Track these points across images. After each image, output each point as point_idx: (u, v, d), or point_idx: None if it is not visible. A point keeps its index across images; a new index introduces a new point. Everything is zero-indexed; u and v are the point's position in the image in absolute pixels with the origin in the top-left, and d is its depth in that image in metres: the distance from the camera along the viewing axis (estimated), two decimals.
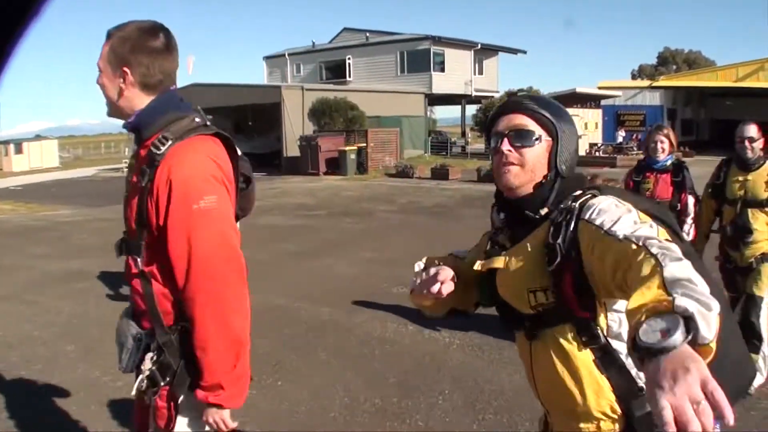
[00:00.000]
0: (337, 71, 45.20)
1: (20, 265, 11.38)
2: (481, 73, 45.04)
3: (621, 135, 41.24)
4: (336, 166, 28.57)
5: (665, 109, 47.99)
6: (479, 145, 43.44)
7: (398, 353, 6.32)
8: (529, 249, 1.98)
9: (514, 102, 2.09)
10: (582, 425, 1.98)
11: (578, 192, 1.98)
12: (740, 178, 5.45)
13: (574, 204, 1.92)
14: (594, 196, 1.94)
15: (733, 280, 5.57)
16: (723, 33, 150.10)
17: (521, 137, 2.00)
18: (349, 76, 44.35)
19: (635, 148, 38.26)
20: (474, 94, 43.56)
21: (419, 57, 41.99)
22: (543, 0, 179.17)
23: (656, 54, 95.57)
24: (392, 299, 8.10)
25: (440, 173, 26.02)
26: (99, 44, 2.34)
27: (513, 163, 2.00)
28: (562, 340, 1.95)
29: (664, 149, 5.63)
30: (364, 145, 29.21)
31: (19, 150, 47.00)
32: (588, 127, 39.89)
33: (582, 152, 38.03)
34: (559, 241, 1.88)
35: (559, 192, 1.99)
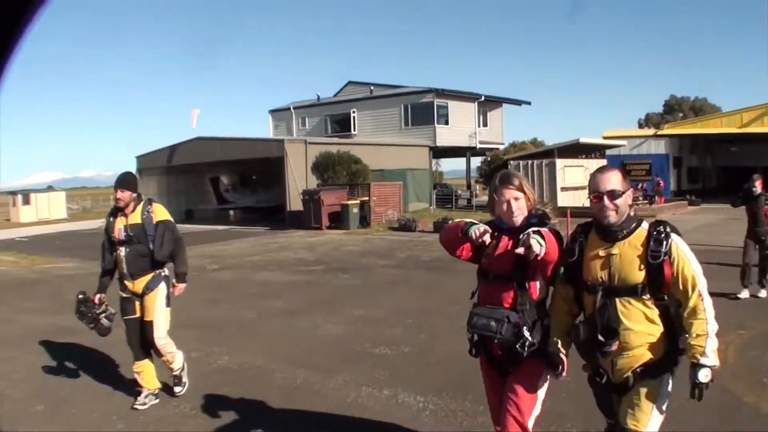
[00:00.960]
0: (342, 124, 45.62)
1: (6, 319, 11.27)
2: (485, 125, 45.24)
3: None
4: (339, 220, 28.42)
5: (671, 158, 47.89)
6: (485, 197, 43.39)
7: (368, 422, 6.08)
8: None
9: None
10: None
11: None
12: (601, 253, 3.73)
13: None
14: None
15: (606, 401, 4.07)
16: (728, 79, 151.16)
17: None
18: (354, 129, 44.64)
19: (640, 198, 38.04)
20: (479, 146, 43.76)
21: (423, 110, 42.29)
22: (548, 52, 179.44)
23: (662, 102, 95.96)
24: (372, 361, 7.90)
25: (441, 226, 25.77)
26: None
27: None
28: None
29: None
30: (367, 198, 29.10)
31: (26, 201, 47.21)
32: None
33: (587, 203, 38.01)
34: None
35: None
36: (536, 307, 3.95)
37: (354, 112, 45.20)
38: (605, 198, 3.61)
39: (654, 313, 3.61)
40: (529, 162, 36.41)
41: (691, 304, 3.55)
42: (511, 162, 37.30)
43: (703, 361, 3.46)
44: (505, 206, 4.03)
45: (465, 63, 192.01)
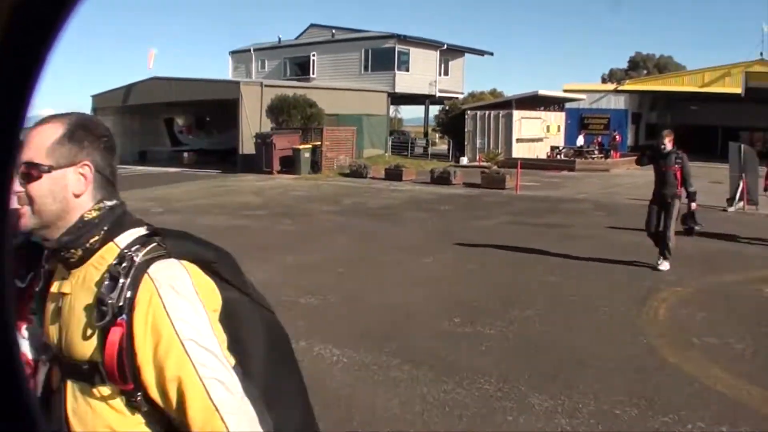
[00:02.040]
0: (301, 68, 44.83)
1: None
2: (446, 73, 44.73)
3: (581, 138, 40.86)
4: (291, 164, 27.94)
5: (630, 113, 48.01)
6: (444, 146, 43.20)
7: None
8: None
9: None
10: None
11: None
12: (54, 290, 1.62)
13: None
14: None
15: None
16: (695, 38, 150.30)
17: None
18: (313, 73, 43.89)
19: (596, 152, 38.06)
20: (438, 94, 43.28)
21: (384, 55, 41.64)
22: (514, 2, 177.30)
23: (628, 58, 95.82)
24: (296, 311, 7.64)
25: (394, 174, 25.59)
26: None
27: None
28: None
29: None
30: (319, 143, 28.64)
31: None
32: (550, 130, 39.67)
33: (543, 155, 38.05)
34: None
35: None
36: None
37: (314, 55, 44.37)
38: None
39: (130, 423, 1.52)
40: (487, 113, 36.13)
41: None
42: (469, 112, 37.00)
43: None
44: None
45: (430, 9, 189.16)
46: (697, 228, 10.80)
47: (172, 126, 40.28)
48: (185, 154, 38.91)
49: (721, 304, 8.46)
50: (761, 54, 44.34)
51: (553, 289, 9.05)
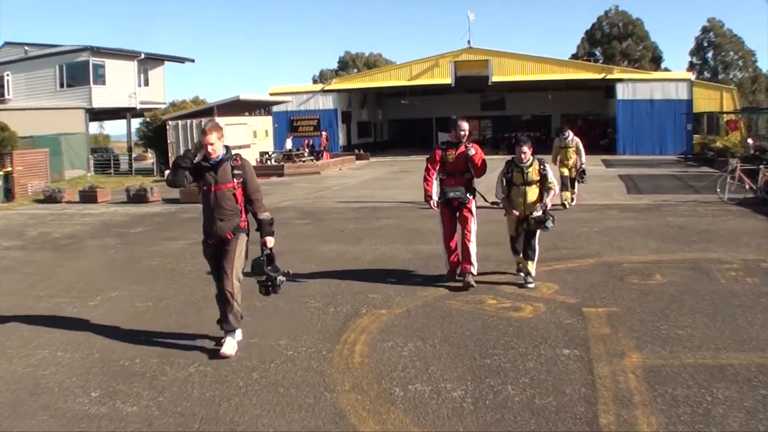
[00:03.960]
0: None
1: None
2: (147, 84, 44.27)
3: (289, 142, 41.84)
4: None
5: (339, 113, 49.85)
6: (151, 160, 42.53)
7: None
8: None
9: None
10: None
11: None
12: None
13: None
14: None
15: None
16: (403, 35, 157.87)
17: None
18: (9, 94, 41.54)
19: (306, 155, 39.19)
20: (139, 106, 42.60)
21: (78, 69, 40.49)
22: (215, 8, 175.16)
23: (338, 59, 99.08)
24: None
25: (89, 196, 25.04)
26: None
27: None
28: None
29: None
30: (10, 169, 27.48)
31: None
32: (258, 135, 40.25)
33: (252, 162, 38.59)
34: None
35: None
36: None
37: (8, 75, 41.95)
38: None
39: None
40: (188, 122, 36.13)
41: None
42: (170, 122, 36.88)
43: None
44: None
45: (127, 20, 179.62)
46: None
47: None
48: None
49: (436, 329, 7.80)
50: (468, 42, 47.25)
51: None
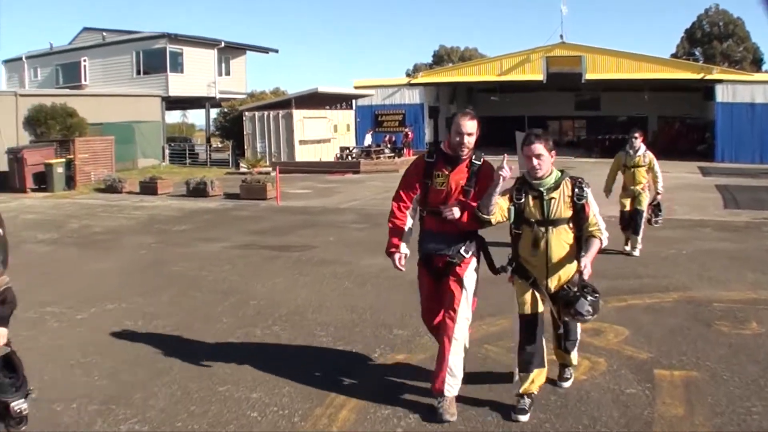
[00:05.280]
0: (73, 74, 41.79)
1: None
2: (228, 74, 43.23)
3: (369, 137, 39.89)
4: (44, 181, 25.75)
5: (426, 107, 47.35)
6: (228, 153, 41.48)
7: None
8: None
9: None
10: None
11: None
12: None
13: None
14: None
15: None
16: (498, 28, 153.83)
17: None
18: (86, 80, 41.21)
19: (387, 150, 37.34)
20: (219, 96, 41.50)
21: (156, 57, 39.58)
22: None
23: (432, 53, 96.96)
24: None
25: (148, 187, 23.86)
26: None
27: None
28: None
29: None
30: (73, 157, 26.52)
31: None
32: (338, 129, 38.72)
33: (332, 157, 37.01)
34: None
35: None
36: None
37: (85, 60, 41.61)
38: None
39: None
40: (266, 113, 34.93)
41: None
42: (247, 113, 35.72)
43: None
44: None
45: (207, 8, 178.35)
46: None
47: None
48: None
49: None
50: (561, 37, 43.80)
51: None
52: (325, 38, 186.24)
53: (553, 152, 5.19)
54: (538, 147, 5.12)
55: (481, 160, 5.38)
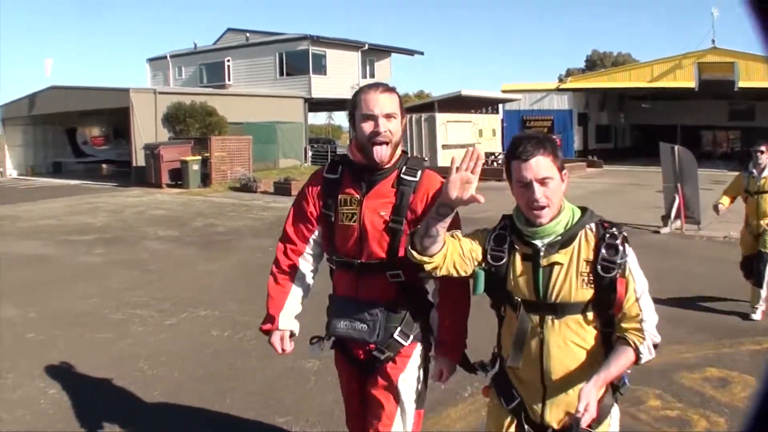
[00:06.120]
0: (216, 74, 42.10)
1: None
2: (372, 76, 42.14)
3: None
4: (180, 177, 25.44)
5: (575, 114, 45.00)
6: None
7: None
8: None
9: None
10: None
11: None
12: None
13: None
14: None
15: None
16: (650, 33, 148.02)
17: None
18: (229, 79, 41.37)
19: None
20: None
21: (298, 58, 39.05)
22: (450, 6, 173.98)
23: (585, 58, 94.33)
24: None
25: (282, 188, 22.86)
26: None
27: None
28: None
29: None
30: (208, 154, 26.05)
31: None
32: (483, 134, 37.04)
33: None
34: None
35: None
36: None
37: (229, 61, 41.79)
38: None
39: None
40: (408, 116, 33.57)
41: None
42: None
43: None
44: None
45: (351, 10, 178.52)
46: None
47: (74, 137, 37.95)
48: (103, 166, 36.95)
49: None
50: (713, 42, 40.95)
51: None
52: (473, 41, 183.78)
53: (565, 173, 2.68)
54: (542, 163, 2.56)
55: (420, 171, 3.12)
